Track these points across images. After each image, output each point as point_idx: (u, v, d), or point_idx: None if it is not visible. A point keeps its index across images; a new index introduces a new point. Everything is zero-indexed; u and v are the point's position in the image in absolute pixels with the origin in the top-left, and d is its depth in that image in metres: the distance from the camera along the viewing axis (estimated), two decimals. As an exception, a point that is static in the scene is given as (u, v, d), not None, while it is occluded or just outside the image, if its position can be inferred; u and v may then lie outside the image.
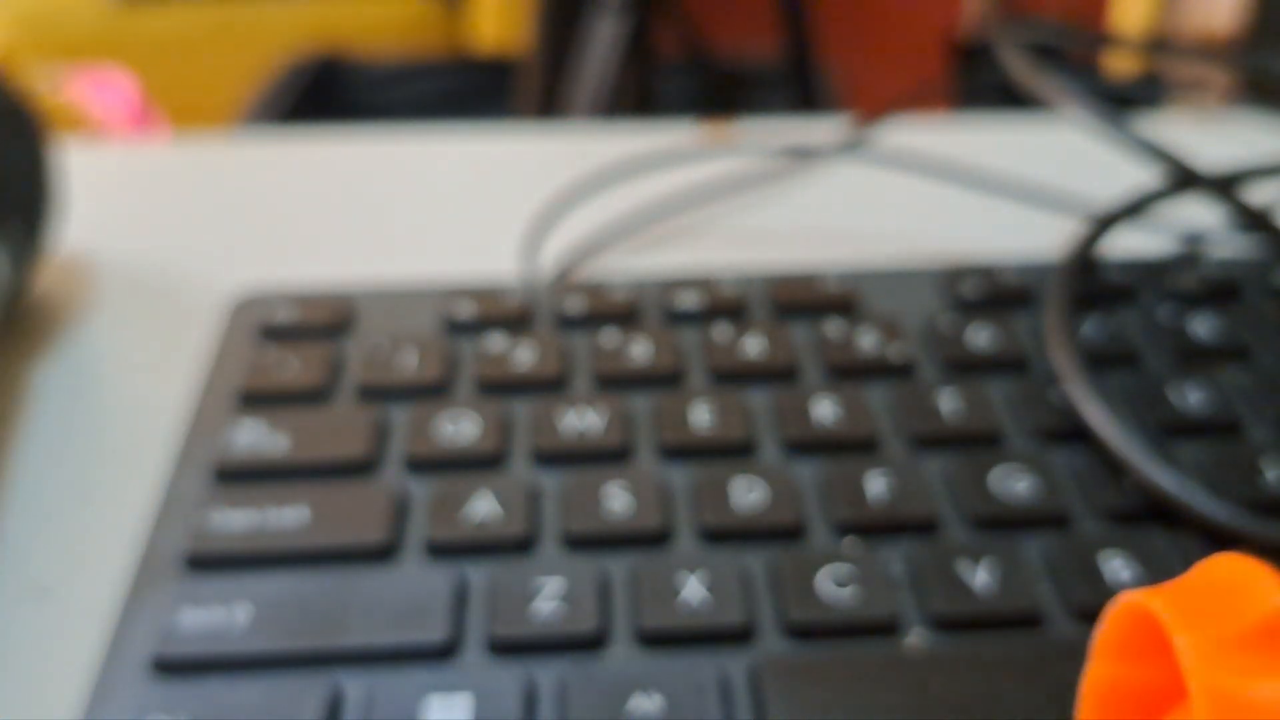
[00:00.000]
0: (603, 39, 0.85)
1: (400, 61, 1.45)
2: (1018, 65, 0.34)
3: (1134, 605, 0.18)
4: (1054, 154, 0.41)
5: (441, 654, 0.22)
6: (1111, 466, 0.25)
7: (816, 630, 0.22)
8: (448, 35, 1.57)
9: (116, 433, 0.30)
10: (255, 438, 0.27)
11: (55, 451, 0.29)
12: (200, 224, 0.38)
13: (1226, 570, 0.17)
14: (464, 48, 1.56)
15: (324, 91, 1.37)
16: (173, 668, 0.22)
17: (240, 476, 0.26)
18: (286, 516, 0.25)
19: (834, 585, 0.23)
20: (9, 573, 0.26)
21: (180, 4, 1.50)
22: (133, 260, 0.36)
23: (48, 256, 0.36)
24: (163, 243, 0.37)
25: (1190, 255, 0.32)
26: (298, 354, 0.29)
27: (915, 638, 0.22)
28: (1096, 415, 0.26)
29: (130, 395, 0.31)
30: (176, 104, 1.39)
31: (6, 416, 0.30)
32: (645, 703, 0.21)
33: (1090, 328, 0.29)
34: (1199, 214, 0.36)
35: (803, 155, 0.39)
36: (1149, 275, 0.31)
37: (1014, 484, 0.25)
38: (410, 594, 0.23)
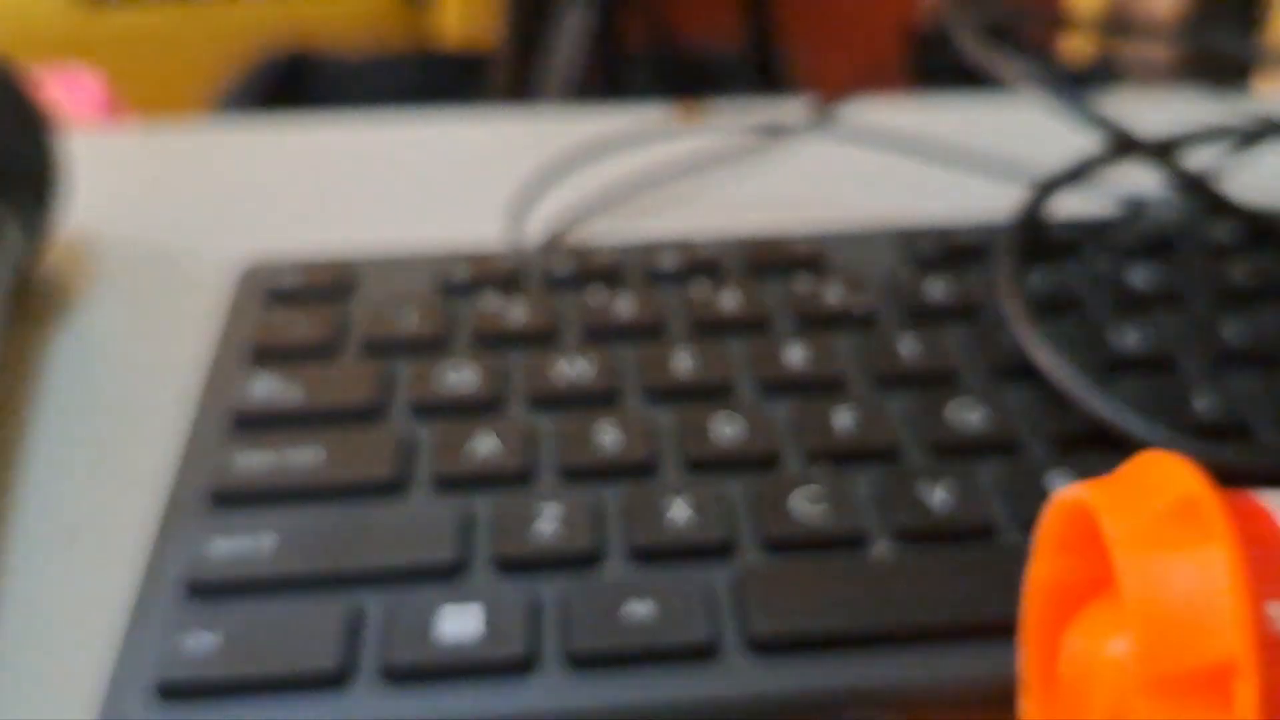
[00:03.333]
0: (570, 29, 0.88)
1: (367, 56, 1.47)
2: (970, 43, 0.36)
3: (1070, 500, 0.21)
4: (1008, 129, 0.44)
5: (452, 572, 0.24)
6: (1057, 400, 0.28)
7: (791, 544, 0.25)
8: (412, 31, 1.59)
9: (135, 391, 0.32)
10: (270, 388, 0.29)
11: (76, 411, 0.31)
12: (195, 204, 0.40)
13: (1151, 465, 0.20)
14: (428, 43, 1.57)
15: (292, 87, 1.38)
16: (205, 590, 0.24)
17: (258, 423, 0.28)
18: (303, 456, 0.27)
19: (807, 504, 0.25)
20: (38, 518, 0.28)
21: (144, 3, 1.50)
22: (133, 239, 0.38)
23: (54, 235, 0.38)
24: (160, 222, 0.39)
25: (1130, 215, 0.35)
26: (304, 314, 0.31)
27: (880, 548, 0.25)
28: (1043, 354, 0.28)
29: (144, 358, 0.33)
30: (143, 103, 1.40)
31: (29, 381, 0.32)
32: (639, 609, 0.23)
33: (1037, 279, 0.32)
34: (1140, 180, 0.38)
35: (774, 132, 0.41)
36: (1092, 232, 0.33)
37: (968, 415, 0.28)
38: (421, 522, 0.25)
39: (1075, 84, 0.33)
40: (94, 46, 1.47)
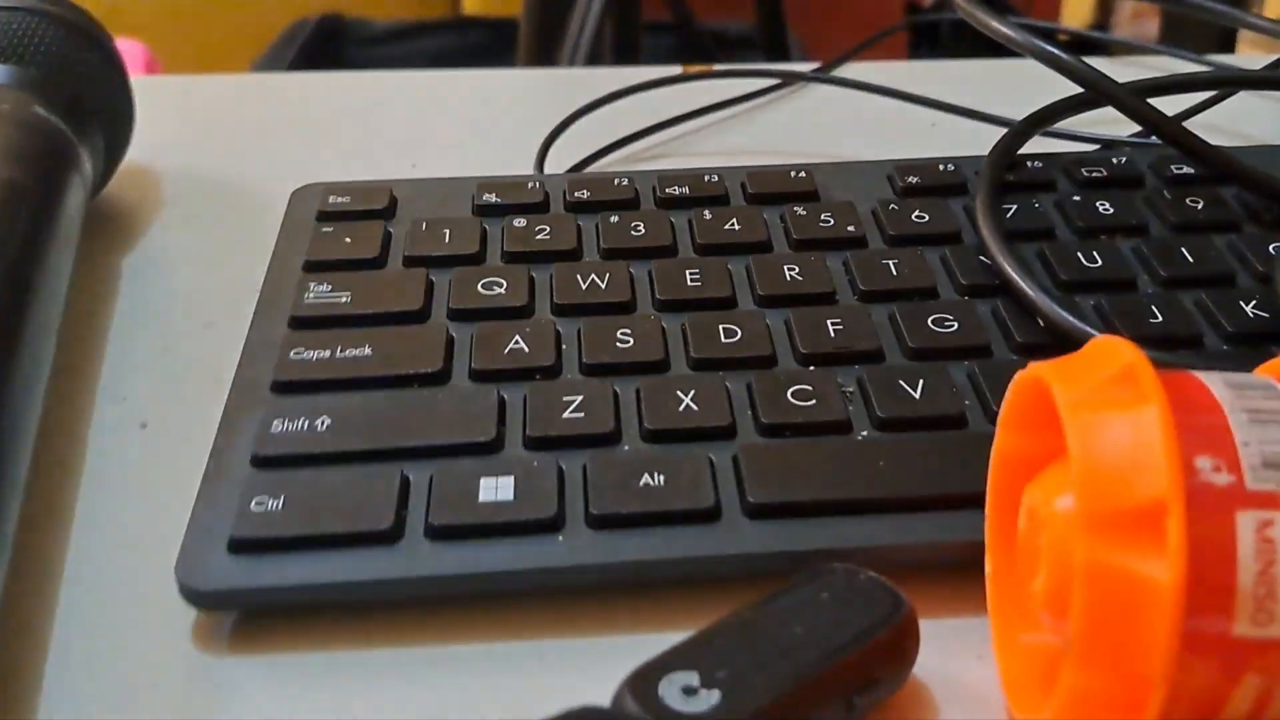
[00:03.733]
0: (590, 2, 0.91)
1: (398, 24, 1.50)
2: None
3: (1030, 376, 0.24)
4: (997, 85, 0.47)
5: (490, 449, 0.28)
6: (1026, 313, 0.31)
7: (785, 429, 0.28)
8: (447, 2, 1.62)
9: (199, 300, 0.35)
10: (322, 294, 0.32)
11: (148, 319, 0.35)
12: (246, 141, 0.44)
13: (1099, 346, 0.23)
14: (457, 13, 1.61)
15: (325, 50, 1.42)
16: (269, 462, 0.28)
17: (312, 324, 0.31)
18: (354, 352, 0.30)
19: (799, 398, 0.29)
20: (112, 411, 0.32)
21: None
22: (190, 172, 0.42)
23: (118, 167, 0.41)
24: (214, 157, 0.43)
25: (1101, 154, 0.38)
26: (351, 230, 0.34)
27: (864, 435, 0.28)
28: (1014, 273, 0.31)
29: (206, 271, 0.36)
30: (182, 69, 1.43)
31: (101, 293, 0.36)
32: (652, 480, 0.27)
33: (1013, 207, 0.35)
34: (1116, 128, 0.41)
35: (779, 79, 0.45)
36: (1064, 168, 0.37)
37: (945, 325, 0.31)
38: (460, 407, 0.29)
39: (1066, 47, 0.36)
40: (132, 18, 1.51)
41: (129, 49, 1.30)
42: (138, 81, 0.46)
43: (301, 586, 0.25)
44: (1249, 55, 0.52)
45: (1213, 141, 0.36)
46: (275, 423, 0.28)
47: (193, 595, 0.25)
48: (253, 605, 0.26)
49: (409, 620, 0.26)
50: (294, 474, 0.27)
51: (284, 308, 0.32)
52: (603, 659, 0.25)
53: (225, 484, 0.27)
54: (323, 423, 0.28)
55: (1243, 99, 0.45)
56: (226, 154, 0.43)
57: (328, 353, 0.30)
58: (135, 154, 0.42)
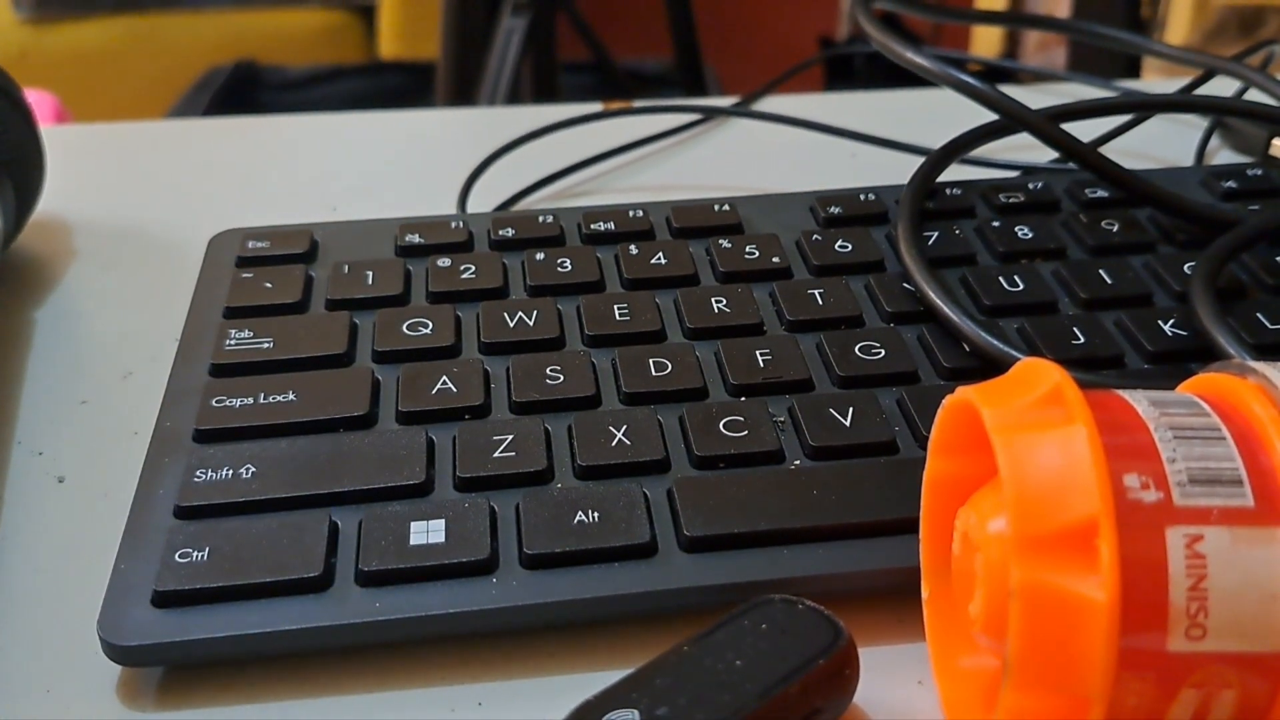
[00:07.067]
0: (505, 34, 0.91)
1: (314, 68, 1.50)
2: (872, 28, 0.40)
3: (958, 401, 0.24)
4: (918, 115, 0.48)
5: (418, 492, 0.27)
6: (952, 337, 0.31)
7: (718, 461, 0.28)
8: (363, 46, 1.62)
9: (116, 349, 0.34)
10: (242, 340, 0.31)
11: (62, 368, 0.34)
12: (162, 187, 0.43)
13: (1025, 369, 0.23)
14: (375, 56, 1.60)
15: (240, 97, 1.40)
16: (193, 513, 0.27)
17: (234, 370, 0.31)
18: (277, 398, 0.30)
19: (731, 429, 0.29)
20: (29, 465, 0.31)
21: (92, 18, 1.52)
22: (105, 220, 0.41)
23: (29, 217, 0.40)
24: (129, 204, 0.42)
25: (1019, 179, 0.38)
26: (271, 276, 0.34)
27: (796, 464, 0.28)
28: (937, 299, 0.32)
29: (123, 320, 0.35)
30: (94, 119, 1.41)
31: (15, 345, 0.35)
32: (586, 517, 0.26)
33: (934, 234, 0.35)
34: (1031, 154, 0.42)
35: (699, 114, 0.45)
36: (985, 194, 0.37)
37: (871, 352, 0.31)
38: (389, 451, 0.28)
39: (978, 77, 0.36)
40: (45, 63, 1.48)
41: (38, 100, 1.28)
42: (48, 131, 0.46)
43: (230, 638, 0.25)
44: (1154, 81, 0.54)
45: (1125, 165, 0.36)
46: (198, 472, 0.28)
47: (116, 651, 0.25)
48: (179, 659, 0.25)
49: (342, 668, 0.25)
50: (219, 524, 0.27)
51: (204, 355, 0.31)
52: (541, 700, 0.24)
53: (147, 536, 0.27)
54: (247, 470, 0.28)
55: (1152, 123, 0.47)
56: (141, 202, 0.42)
57: (250, 399, 0.30)
58: (47, 204, 0.41)
